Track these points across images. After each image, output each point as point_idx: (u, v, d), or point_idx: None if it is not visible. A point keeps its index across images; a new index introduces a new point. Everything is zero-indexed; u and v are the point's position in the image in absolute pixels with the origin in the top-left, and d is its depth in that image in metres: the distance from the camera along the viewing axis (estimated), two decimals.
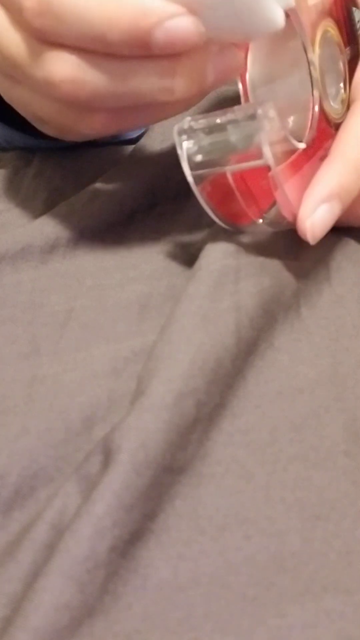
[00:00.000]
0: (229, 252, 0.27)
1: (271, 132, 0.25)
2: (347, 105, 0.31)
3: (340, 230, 0.31)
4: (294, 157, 0.27)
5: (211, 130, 0.26)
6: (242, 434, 0.22)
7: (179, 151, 0.27)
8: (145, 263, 0.30)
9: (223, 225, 0.28)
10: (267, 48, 0.31)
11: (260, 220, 0.28)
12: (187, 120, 0.27)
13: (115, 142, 0.41)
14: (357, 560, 0.19)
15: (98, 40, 0.24)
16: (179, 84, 0.26)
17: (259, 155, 0.25)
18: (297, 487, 0.21)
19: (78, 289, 0.29)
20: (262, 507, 0.20)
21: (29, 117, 0.31)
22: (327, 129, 0.29)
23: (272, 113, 0.25)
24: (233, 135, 0.26)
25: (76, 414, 0.23)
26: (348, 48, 0.32)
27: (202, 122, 0.26)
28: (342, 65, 0.31)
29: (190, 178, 0.27)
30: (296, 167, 0.27)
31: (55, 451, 0.22)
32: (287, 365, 0.25)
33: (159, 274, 0.30)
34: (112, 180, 0.34)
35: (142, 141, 0.37)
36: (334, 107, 0.30)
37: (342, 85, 0.31)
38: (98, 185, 0.34)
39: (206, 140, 0.26)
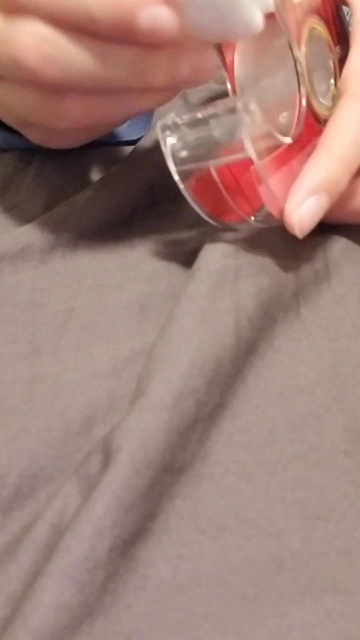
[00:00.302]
0: (228, 252, 0.27)
1: (253, 126, 0.25)
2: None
3: (339, 229, 0.31)
4: (278, 151, 0.27)
5: (194, 125, 0.26)
6: (242, 434, 0.22)
7: (163, 148, 0.26)
8: (145, 263, 0.30)
9: (212, 222, 0.28)
10: (254, 47, 0.31)
11: (252, 218, 0.28)
12: (170, 117, 0.26)
13: (115, 142, 0.41)
14: (357, 560, 0.19)
15: (80, 13, 0.24)
16: (150, 73, 0.26)
17: (243, 149, 0.25)
18: (297, 487, 0.21)
19: (78, 289, 0.29)
20: (262, 507, 0.20)
21: (13, 123, 0.31)
22: (315, 126, 0.29)
23: (252, 106, 0.25)
24: (216, 130, 0.26)
25: (76, 414, 0.23)
26: (338, 47, 0.32)
27: (185, 118, 0.26)
28: (331, 63, 0.31)
29: (175, 175, 0.27)
30: (281, 162, 0.27)
31: (55, 451, 0.22)
32: (287, 365, 0.25)
33: (159, 274, 0.30)
34: (112, 180, 0.34)
35: (142, 141, 0.37)
36: (323, 104, 0.30)
37: (332, 82, 0.31)
38: (98, 185, 0.34)
39: (190, 136, 0.26)
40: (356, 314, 0.27)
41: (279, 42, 0.29)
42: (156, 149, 0.36)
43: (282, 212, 0.27)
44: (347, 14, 0.35)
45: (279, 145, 0.27)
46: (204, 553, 0.19)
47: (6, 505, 0.21)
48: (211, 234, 0.29)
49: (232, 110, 0.25)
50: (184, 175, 0.27)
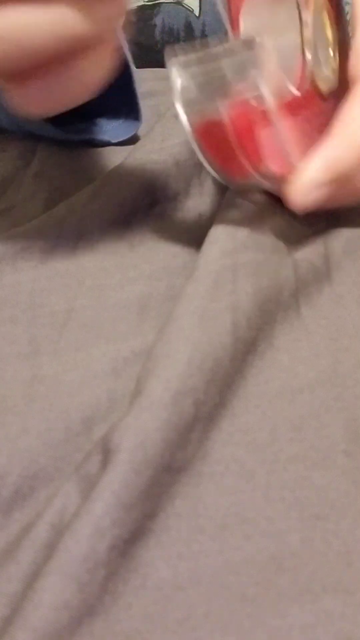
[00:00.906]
0: (227, 252, 0.27)
1: (267, 67, 0.24)
2: (338, 76, 0.30)
3: (340, 225, 0.31)
4: (288, 100, 0.26)
5: (205, 61, 0.25)
6: (242, 434, 0.22)
7: (173, 87, 0.25)
8: (145, 263, 0.30)
9: (216, 175, 0.27)
10: (261, 5, 0.30)
11: (257, 175, 0.27)
12: (181, 57, 0.25)
13: (115, 142, 0.41)
14: (357, 560, 0.19)
15: None
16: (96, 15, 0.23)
17: (255, 89, 0.24)
18: (297, 487, 0.21)
19: (78, 289, 0.29)
20: (262, 506, 0.20)
21: None
22: (314, 90, 0.29)
23: (269, 44, 0.24)
24: (228, 67, 0.25)
25: (76, 414, 0.23)
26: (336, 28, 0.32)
27: (196, 55, 0.25)
28: (331, 35, 0.31)
29: (183, 116, 0.26)
30: (290, 111, 0.26)
31: (55, 451, 0.22)
32: (287, 365, 0.25)
33: (159, 274, 0.30)
34: (112, 180, 0.34)
35: (142, 141, 0.37)
36: (324, 73, 0.30)
37: (331, 52, 0.31)
38: (98, 185, 0.34)
39: (200, 74, 0.25)
40: (356, 314, 0.27)
41: (287, 3, 0.28)
42: (156, 148, 0.36)
43: (286, 164, 0.26)
44: (346, 4, 0.35)
45: (285, 97, 0.26)
46: (204, 553, 0.19)
47: (6, 505, 0.21)
48: (211, 234, 0.29)
49: (248, 46, 0.24)
50: (192, 120, 0.26)
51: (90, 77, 0.27)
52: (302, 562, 0.19)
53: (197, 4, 0.57)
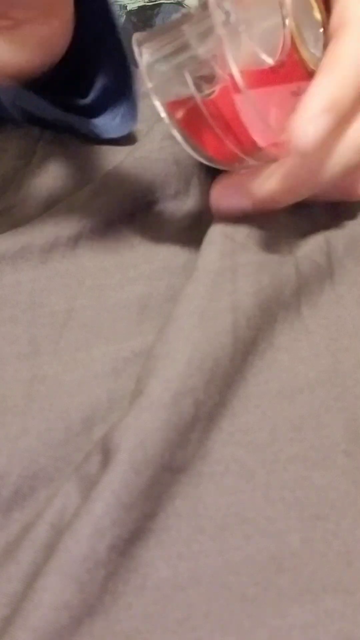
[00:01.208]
0: (226, 252, 0.27)
1: (229, 28, 0.23)
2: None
3: (341, 223, 0.30)
4: (259, 69, 0.26)
5: (167, 30, 0.25)
6: (242, 434, 0.22)
7: (139, 62, 0.25)
8: (145, 263, 0.30)
9: (191, 152, 0.27)
10: None
11: (232, 145, 0.27)
12: (143, 32, 0.25)
13: (115, 142, 0.41)
14: (357, 560, 0.19)
15: None
16: None
17: (217, 51, 0.23)
18: (297, 487, 0.21)
19: (78, 289, 0.29)
20: (262, 506, 0.20)
21: None
22: (300, 67, 0.28)
23: (227, 5, 0.23)
24: (190, 34, 0.24)
25: (76, 414, 0.23)
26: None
27: (158, 26, 0.25)
28: (320, 17, 0.31)
29: (149, 85, 0.25)
30: (262, 82, 0.26)
31: (55, 451, 0.22)
32: (287, 364, 0.25)
33: (159, 274, 0.30)
34: (112, 180, 0.34)
35: (142, 141, 0.37)
36: (312, 54, 0.29)
37: (321, 33, 0.31)
38: (98, 184, 0.34)
39: (165, 47, 0.25)
40: (356, 314, 0.27)
41: None
42: (156, 148, 0.36)
43: (261, 134, 0.25)
44: None
45: (260, 67, 0.26)
46: (204, 553, 0.19)
47: (6, 505, 0.21)
48: (211, 233, 0.29)
49: (204, 7, 0.23)
50: (163, 94, 0.25)
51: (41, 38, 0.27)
52: (302, 562, 0.19)
53: (198, 4, 0.57)
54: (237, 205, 0.29)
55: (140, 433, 0.20)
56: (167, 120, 0.26)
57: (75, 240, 0.31)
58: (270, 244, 0.28)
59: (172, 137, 0.34)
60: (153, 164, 0.35)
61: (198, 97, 0.26)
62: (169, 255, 0.31)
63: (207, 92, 0.26)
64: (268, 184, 0.29)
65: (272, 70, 0.27)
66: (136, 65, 0.37)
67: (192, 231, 0.32)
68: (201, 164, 0.29)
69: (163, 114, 0.26)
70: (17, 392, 0.24)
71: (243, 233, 0.28)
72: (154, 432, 0.20)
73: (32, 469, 0.21)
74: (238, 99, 0.25)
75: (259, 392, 0.23)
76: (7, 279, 0.29)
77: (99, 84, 0.39)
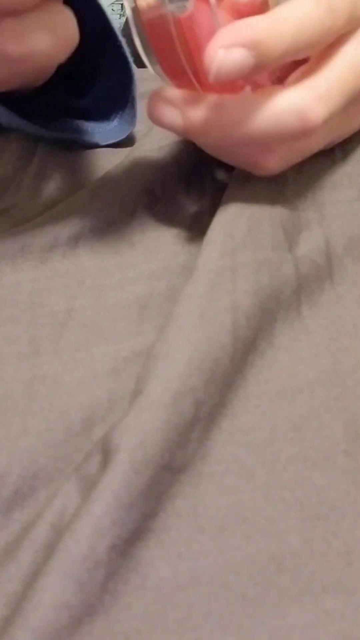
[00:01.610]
0: (226, 251, 0.27)
1: None
2: None
3: (341, 222, 0.30)
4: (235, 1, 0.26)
5: None
6: (242, 434, 0.22)
7: None
8: (145, 263, 0.30)
9: (146, 60, 0.27)
10: None
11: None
12: None
13: (115, 142, 0.41)
14: (357, 560, 0.19)
15: None
16: None
17: None
18: (297, 487, 0.21)
19: (78, 289, 0.29)
20: (262, 506, 0.20)
21: None
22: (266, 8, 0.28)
23: None
24: None
25: (76, 414, 0.23)
26: None
27: None
28: None
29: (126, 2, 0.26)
30: (233, 12, 0.26)
31: (55, 451, 0.22)
32: (287, 364, 0.25)
33: (158, 274, 0.30)
34: (112, 180, 0.34)
35: (142, 141, 0.37)
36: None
37: None
38: (98, 184, 0.34)
39: None
40: (356, 314, 0.27)
41: None
42: (156, 148, 0.36)
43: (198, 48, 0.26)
44: None
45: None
46: (204, 553, 0.19)
47: (6, 505, 0.21)
48: (210, 233, 0.29)
49: None
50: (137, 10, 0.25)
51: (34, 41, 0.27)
52: (302, 562, 0.19)
53: None
54: (169, 122, 0.29)
55: (140, 433, 0.20)
56: (131, 18, 0.26)
57: (75, 240, 0.31)
58: (270, 244, 0.28)
59: (172, 137, 0.34)
60: (153, 164, 0.35)
61: (169, 8, 0.26)
62: (169, 255, 0.31)
63: (179, 4, 0.26)
64: (201, 110, 0.28)
65: (246, 5, 0.27)
66: (137, 66, 0.37)
67: (192, 231, 0.32)
68: (201, 164, 0.29)
69: (129, 11, 0.26)
70: (17, 392, 0.24)
71: (242, 233, 0.28)
72: (154, 432, 0.20)
73: (32, 469, 0.21)
74: (206, 17, 0.25)
75: (259, 392, 0.23)
76: (7, 279, 0.29)
77: (99, 86, 0.39)
